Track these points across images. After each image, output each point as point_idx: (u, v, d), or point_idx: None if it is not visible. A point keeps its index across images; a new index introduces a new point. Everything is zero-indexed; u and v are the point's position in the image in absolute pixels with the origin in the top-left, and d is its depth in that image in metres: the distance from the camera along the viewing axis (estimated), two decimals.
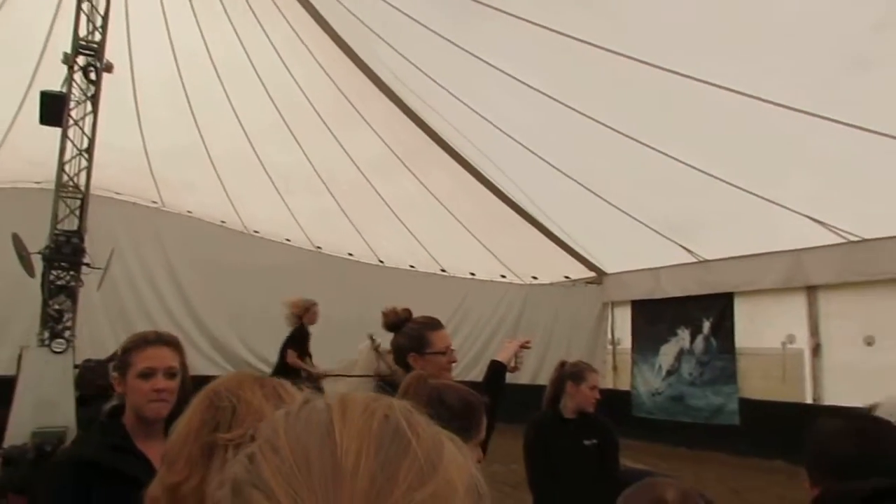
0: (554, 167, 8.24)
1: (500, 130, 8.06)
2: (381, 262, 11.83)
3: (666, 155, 7.07)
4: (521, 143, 8.15)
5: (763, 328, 8.64)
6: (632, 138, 7.09)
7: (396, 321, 2.69)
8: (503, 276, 11.64)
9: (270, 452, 0.49)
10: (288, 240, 11.43)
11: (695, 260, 9.05)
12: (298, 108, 9.05)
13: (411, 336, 2.63)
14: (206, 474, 1.23)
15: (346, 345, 10.75)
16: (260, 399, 1.30)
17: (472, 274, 11.71)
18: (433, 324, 2.69)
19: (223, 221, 11.08)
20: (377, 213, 10.39)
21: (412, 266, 11.76)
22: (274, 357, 10.72)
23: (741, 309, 8.91)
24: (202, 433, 1.27)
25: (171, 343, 2.08)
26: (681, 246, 8.86)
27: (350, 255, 11.69)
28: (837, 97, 5.44)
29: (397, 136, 9.30)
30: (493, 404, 2.32)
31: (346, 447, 0.48)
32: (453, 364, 2.67)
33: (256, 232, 11.34)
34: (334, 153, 9.59)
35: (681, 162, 7.05)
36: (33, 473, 5.74)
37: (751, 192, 6.96)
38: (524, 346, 2.98)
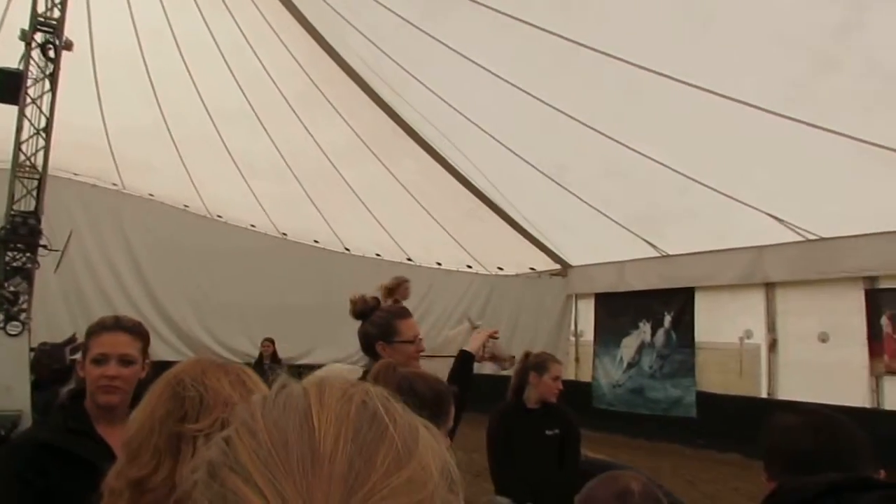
0: (522, 159, 8.28)
1: (469, 120, 8.06)
2: (347, 249, 11.75)
3: (633, 150, 7.15)
4: (489, 134, 8.15)
5: (722, 323, 8.84)
6: (600, 132, 7.16)
7: (364, 309, 2.68)
8: (469, 267, 11.67)
9: (248, 436, 0.49)
10: (253, 225, 11.27)
11: (658, 254, 9.20)
12: (265, 92, 8.90)
13: (379, 325, 2.62)
14: (176, 466, 1.20)
15: (309, 332, 10.71)
16: (227, 386, 1.27)
17: (439, 263, 11.71)
18: (401, 312, 2.68)
19: (186, 206, 10.87)
20: (344, 200, 10.31)
21: (378, 255, 11.71)
22: (237, 344, 10.63)
23: (701, 304, 9.10)
24: (167, 423, 1.23)
25: (131, 330, 2.01)
26: (645, 240, 8.99)
27: (316, 242, 11.59)
28: (802, 97, 5.56)
29: (365, 123, 9.22)
30: (462, 394, 2.33)
31: (325, 431, 0.48)
32: (420, 353, 2.66)
33: (220, 217, 11.15)
34: (301, 139, 9.47)
35: (647, 157, 7.14)
36: None
37: (714, 189, 7.09)
38: (492, 337, 3.00)
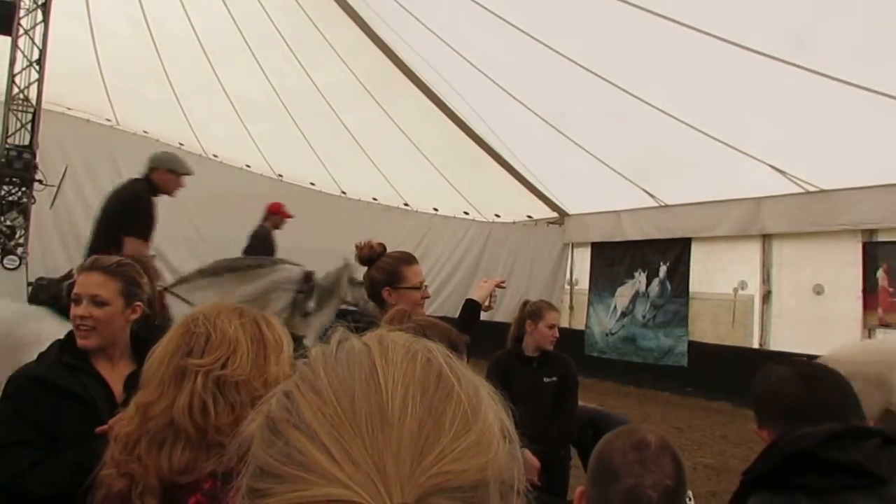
0: (522, 104, 8.16)
1: (470, 63, 7.91)
2: (344, 193, 11.69)
3: (634, 96, 7.05)
4: (490, 78, 8.02)
5: (716, 274, 8.89)
6: (602, 77, 7.04)
7: (371, 255, 2.67)
8: (466, 213, 11.65)
9: (311, 392, 0.48)
10: (248, 166, 11.16)
11: (656, 204, 9.18)
12: (261, 29, 8.68)
13: (386, 270, 2.61)
14: (177, 396, 1.26)
15: None
16: (236, 329, 1.32)
17: (436, 209, 11.68)
18: (408, 259, 2.68)
19: (181, 143, 10.72)
20: (341, 142, 10.19)
21: (375, 199, 11.66)
22: None
23: (697, 254, 9.13)
24: (175, 357, 1.30)
25: (108, 270, 1.96)
26: (643, 190, 8.96)
27: (312, 184, 11.50)
28: (808, 43, 5.45)
29: (364, 64, 9.04)
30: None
31: (392, 391, 0.46)
32: (426, 299, 2.67)
33: (216, 156, 11.03)
34: (298, 79, 9.30)
35: (648, 104, 7.05)
36: None
37: (715, 139, 7.02)
38: (499, 286, 3.00)
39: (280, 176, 11.37)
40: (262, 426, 0.49)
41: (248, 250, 6.99)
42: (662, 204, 9.13)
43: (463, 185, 10.77)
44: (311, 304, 4.25)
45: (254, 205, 10.71)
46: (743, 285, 8.51)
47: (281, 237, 10.49)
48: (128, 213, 4.60)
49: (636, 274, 9.86)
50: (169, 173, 4.93)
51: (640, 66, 6.91)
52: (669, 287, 9.39)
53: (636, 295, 9.83)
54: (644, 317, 9.64)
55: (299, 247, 10.69)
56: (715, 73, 6.36)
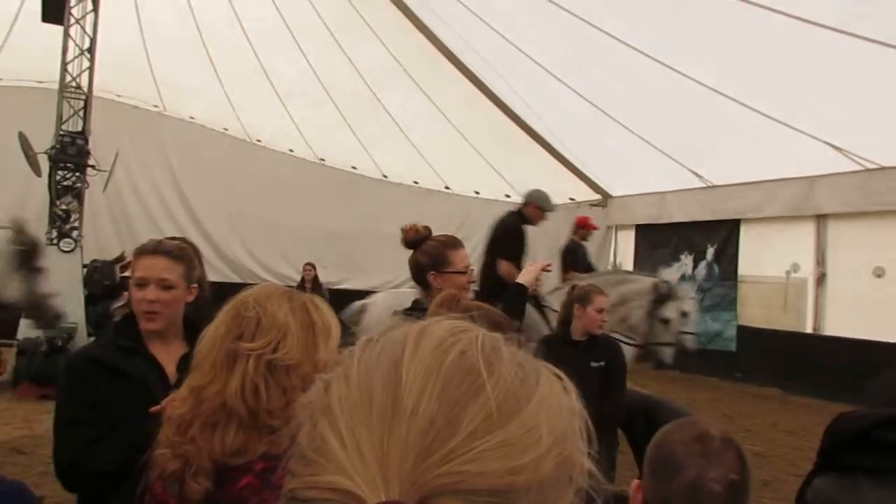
0: (564, 83, 8.03)
1: (511, 44, 7.80)
2: (385, 176, 11.71)
3: (679, 73, 6.86)
4: (531, 58, 7.90)
5: (767, 256, 8.63)
6: (647, 55, 6.87)
7: (416, 238, 2.65)
8: (508, 196, 11.54)
9: (342, 380, 0.47)
10: (291, 150, 11.27)
11: (703, 185, 8.96)
12: (304, 14, 8.71)
13: (431, 254, 2.58)
14: (229, 379, 1.27)
15: (348, 257, 10.83)
16: (285, 313, 1.32)
17: (477, 192, 11.62)
18: (453, 242, 2.65)
19: (226, 129, 10.90)
20: (382, 126, 10.20)
21: (416, 182, 11.65)
22: (278, 267, 10.83)
23: (747, 236, 8.88)
24: (226, 340, 1.30)
25: (172, 254, 1.99)
26: (689, 170, 8.75)
27: (354, 168, 11.56)
28: (866, 11, 5.19)
29: (405, 47, 9.01)
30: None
31: (410, 384, 0.44)
32: (471, 283, 2.64)
33: (259, 141, 11.17)
34: (339, 63, 9.32)
35: (694, 80, 6.85)
36: (46, 364, 5.95)
37: (766, 115, 6.79)
38: (545, 269, 2.95)
39: (322, 160, 11.45)
40: (306, 412, 0.49)
41: (564, 264, 7.33)
42: (710, 184, 8.90)
43: (504, 168, 10.68)
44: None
45: (296, 188, 10.87)
46: (795, 268, 8.25)
47: (325, 221, 10.63)
48: (501, 240, 5.45)
49: (682, 257, 9.66)
50: (537, 209, 5.65)
51: (687, 42, 6.71)
52: (717, 270, 9.17)
53: (682, 278, 9.63)
54: None
55: (342, 230, 10.84)
56: (765, 45, 6.13)
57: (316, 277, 9.57)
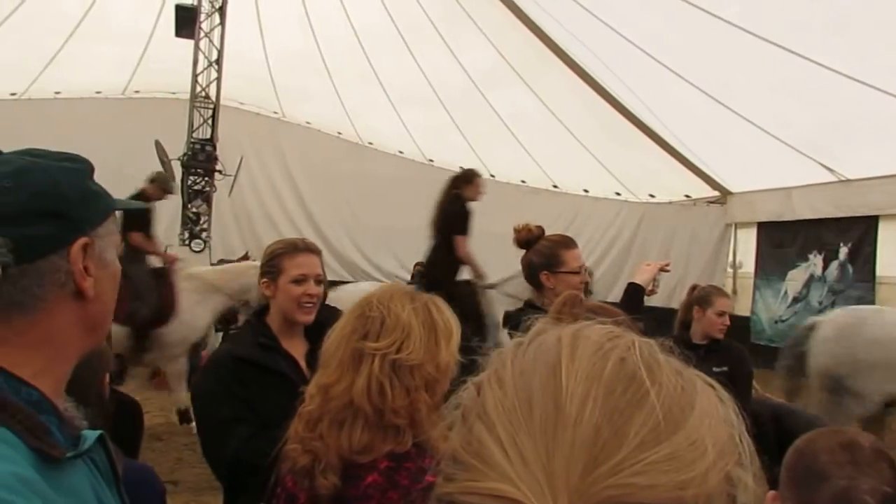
0: (677, 74, 7.70)
1: (620, 35, 7.58)
2: (492, 176, 11.69)
3: (808, 59, 6.39)
4: (642, 49, 7.63)
5: None
6: (770, 41, 6.46)
7: (529, 238, 2.64)
8: (618, 194, 11.25)
9: (496, 384, 0.47)
10: (401, 152, 11.52)
11: (834, 179, 8.31)
12: (412, 17, 8.88)
13: (544, 254, 2.57)
14: (355, 378, 1.31)
15: None
16: (409, 313, 1.35)
17: (586, 191, 11.40)
18: (566, 242, 2.62)
19: (339, 133, 11.30)
20: (488, 125, 10.22)
21: (523, 181, 11.58)
22: (388, 266, 11.10)
23: (885, 234, 8.15)
24: (352, 340, 1.35)
25: (317, 251, 2.16)
26: (818, 163, 8.15)
27: (461, 168, 11.64)
28: None
29: (512, 44, 8.97)
30: None
31: (572, 391, 0.44)
32: (585, 283, 2.60)
33: (371, 144, 11.50)
34: (446, 63, 9.42)
35: (826, 67, 6.36)
36: None
37: None
38: (663, 269, 2.85)
39: (431, 161, 11.63)
40: (458, 413, 0.49)
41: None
42: (842, 178, 8.25)
43: (615, 165, 10.41)
44: None
45: (406, 189, 11.10)
46: None
47: (420, 220, 10.79)
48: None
49: (810, 256, 9.02)
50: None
51: (814, 25, 6.25)
52: (851, 271, 8.49)
53: (811, 279, 9.00)
54: (821, 303, 8.79)
55: None
56: None
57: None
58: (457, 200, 5.87)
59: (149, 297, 5.23)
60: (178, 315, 5.38)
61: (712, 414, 0.46)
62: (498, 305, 5.44)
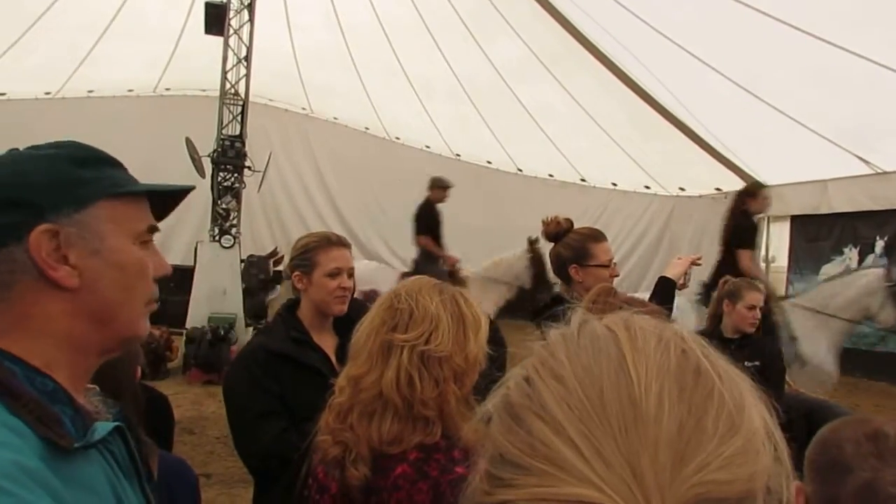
0: (708, 65, 7.57)
1: (650, 26, 7.47)
2: (520, 170, 11.67)
3: (844, 49, 6.23)
4: (671, 40, 7.51)
5: None
6: (804, 31, 6.31)
7: (558, 231, 2.60)
8: (647, 188, 11.12)
9: (552, 380, 0.45)
10: (428, 146, 11.52)
11: (871, 171, 8.11)
12: (440, 11, 8.86)
13: (573, 247, 2.53)
14: (384, 370, 1.32)
15: (482, 251, 10.91)
16: (437, 305, 1.35)
17: (614, 184, 11.28)
18: (596, 235, 2.58)
19: (367, 128, 11.35)
20: (516, 119, 10.16)
21: (551, 175, 11.51)
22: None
23: None
24: (381, 331, 1.35)
25: (348, 245, 2.19)
26: (854, 155, 7.95)
27: (489, 162, 11.62)
28: None
29: (540, 38, 8.89)
30: None
31: (645, 385, 0.42)
32: (614, 277, 2.56)
33: (398, 138, 11.52)
34: (475, 57, 9.38)
35: (862, 57, 6.19)
36: (211, 352, 6.52)
37: None
38: (695, 263, 2.81)
39: (458, 155, 11.62)
40: (501, 410, 0.46)
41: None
42: (879, 171, 8.04)
43: (644, 159, 10.28)
44: None
45: None
46: None
47: (460, 215, 10.81)
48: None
49: (846, 250, 8.82)
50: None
51: (850, 14, 6.08)
52: (889, 264, 8.28)
53: (846, 273, 8.81)
54: None
55: (477, 224, 10.93)
56: None
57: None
58: (744, 217, 6.05)
59: None
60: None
61: (756, 404, 0.46)
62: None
